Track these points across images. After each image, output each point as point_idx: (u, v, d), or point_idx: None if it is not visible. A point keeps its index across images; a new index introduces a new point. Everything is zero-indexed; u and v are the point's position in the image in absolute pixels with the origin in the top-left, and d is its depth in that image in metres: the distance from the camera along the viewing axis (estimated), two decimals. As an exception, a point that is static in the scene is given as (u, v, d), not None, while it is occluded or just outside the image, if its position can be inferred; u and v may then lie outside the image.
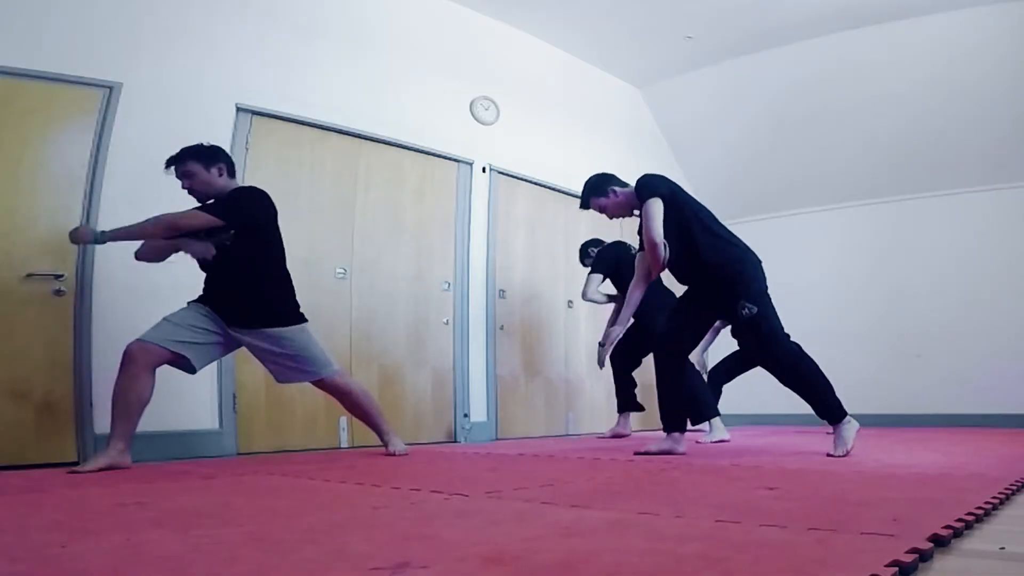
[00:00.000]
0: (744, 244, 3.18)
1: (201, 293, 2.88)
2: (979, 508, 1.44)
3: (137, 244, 2.86)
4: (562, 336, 5.30)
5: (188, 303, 2.85)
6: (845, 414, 2.92)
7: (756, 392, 4.37)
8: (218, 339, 2.86)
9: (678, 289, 3.37)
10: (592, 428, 5.24)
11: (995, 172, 5.51)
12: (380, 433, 3.24)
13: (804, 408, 4.64)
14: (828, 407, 2.92)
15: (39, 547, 1.20)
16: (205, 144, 2.88)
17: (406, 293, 4.35)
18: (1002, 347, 5.35)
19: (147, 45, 3.38)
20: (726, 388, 4.68)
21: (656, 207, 2.95)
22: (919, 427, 5.29)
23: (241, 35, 3.73)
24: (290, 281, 2.98)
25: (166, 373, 3.27)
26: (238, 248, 2.82)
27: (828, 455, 2.85)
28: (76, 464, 2.90)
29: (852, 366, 5.87)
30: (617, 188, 3.29)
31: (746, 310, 2.92)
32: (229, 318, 2.85)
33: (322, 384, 3.05)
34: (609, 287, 4.45)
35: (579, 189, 5.43)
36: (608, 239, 4.66)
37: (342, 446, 3.84)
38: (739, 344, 3.67)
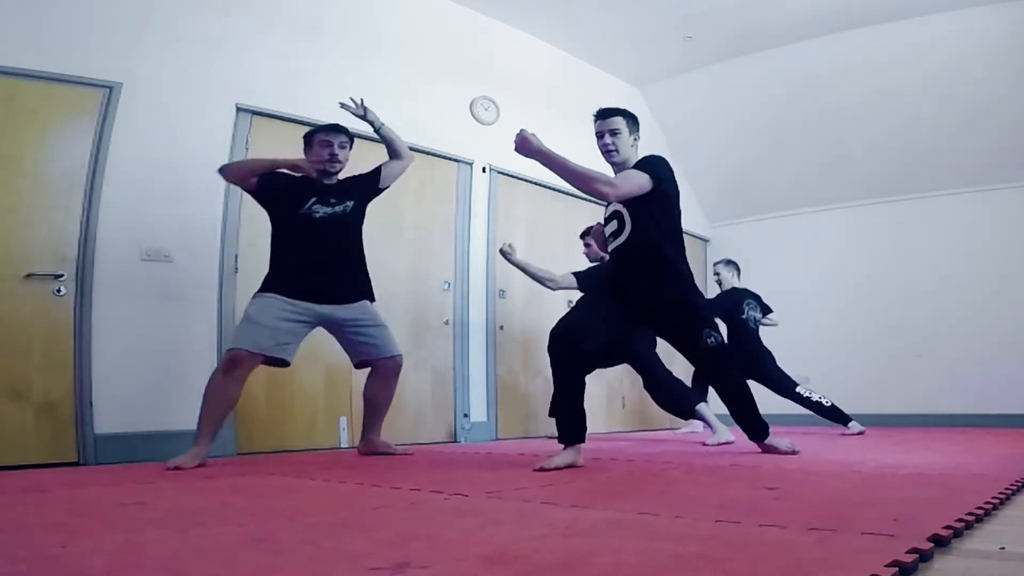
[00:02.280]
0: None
1: (279, 278, 2.93)
2: (979, 508, 1.44)
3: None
4: (562, 336, 5.29)
5: (262, 294, 2.91)
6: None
7: (755, 393, 4.37)
8: (304, 325, 2.97)
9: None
10: (592, 428, 5.22)
11: (994, 172, 5.51)
12: (369, 430, 3.27)
13: (803, 408, 4.64)
14: (757, 427, 3.03)
15: (39, 547, 1.20)
16: None
17: (406, 293, 4.35)
18: (1002, 347, 5.35)
19: (147, 45, 3.38)
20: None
21: (641, 180, 2.69)
22: (919, 427, 5.29)
23: (241, 35, 3.73)
24: None
25: (166, 373, 3.28)
26: (356, 217, 3.08)
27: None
28: (77, 464, 2.91)
29: (852, 366, 5.89)
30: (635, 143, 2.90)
31: (712, 339, 2.82)
32: (331, 295, 2.98)
33: (387, 365, 3.15)
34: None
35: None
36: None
37: (342, 446, 3.84)
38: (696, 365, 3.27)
